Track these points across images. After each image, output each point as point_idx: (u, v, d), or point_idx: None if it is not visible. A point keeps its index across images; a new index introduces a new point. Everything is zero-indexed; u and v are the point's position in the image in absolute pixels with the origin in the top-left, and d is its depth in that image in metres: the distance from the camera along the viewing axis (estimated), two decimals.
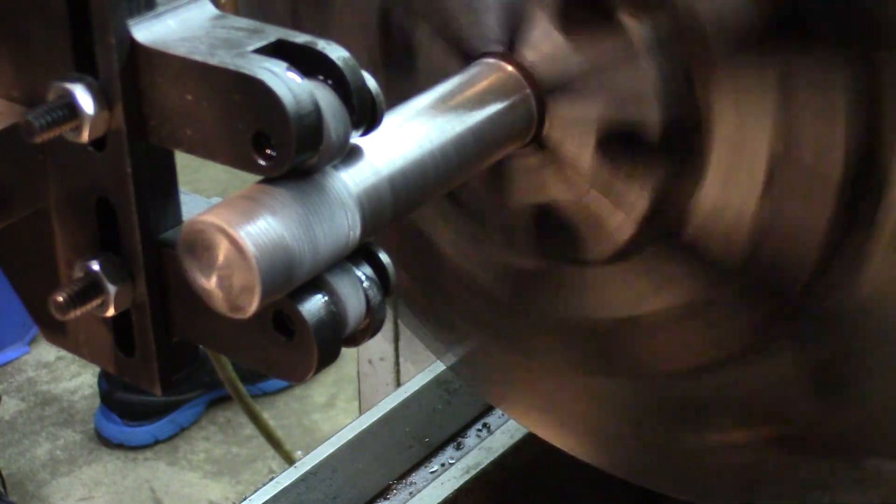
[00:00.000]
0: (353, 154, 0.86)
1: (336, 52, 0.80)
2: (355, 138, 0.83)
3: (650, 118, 0.99)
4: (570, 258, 1.11)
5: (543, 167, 1.07)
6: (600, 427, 1.27)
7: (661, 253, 1.06)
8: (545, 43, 1.02)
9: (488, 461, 1.48)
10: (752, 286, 1.03)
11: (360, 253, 0.85)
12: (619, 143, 1.03)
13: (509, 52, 1.04)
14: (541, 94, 1.03)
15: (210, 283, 0.80)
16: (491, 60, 1.05)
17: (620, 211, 1.04)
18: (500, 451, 1.49)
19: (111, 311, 0.87)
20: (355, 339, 0.86)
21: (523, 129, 1.04)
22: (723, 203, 1.00)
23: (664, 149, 1.01)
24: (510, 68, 1.04)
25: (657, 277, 1.07)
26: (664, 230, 1.04)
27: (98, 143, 0.84)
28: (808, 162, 0.96)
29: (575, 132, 1.04)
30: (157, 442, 3.55)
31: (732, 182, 0.99)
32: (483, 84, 1.03)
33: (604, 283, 1.12)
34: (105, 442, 3.56)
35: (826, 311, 1.01)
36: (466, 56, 1.07)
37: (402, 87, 1.12)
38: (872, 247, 0.96)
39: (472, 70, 1.04)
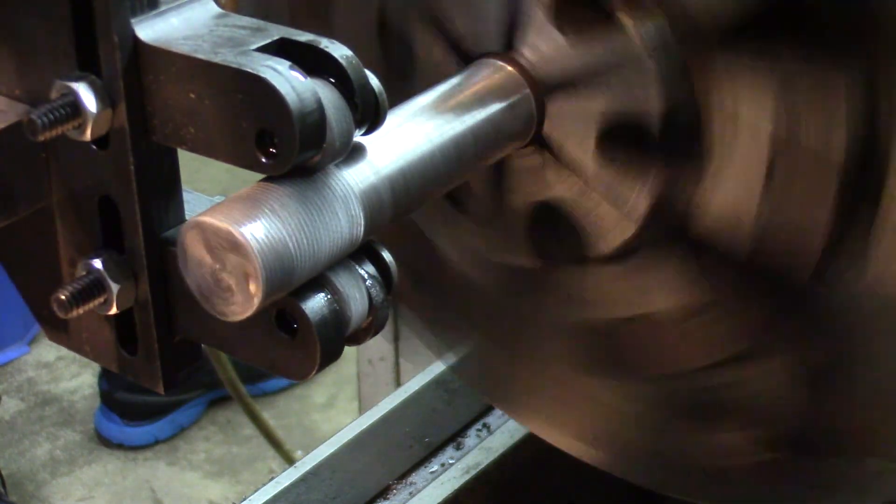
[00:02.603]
0: (355, 153, 0.86)
1: (339, 51, 0.81)
2: (358, 137, 0.84)
3: (650, 115, 1.00)
4: (571, 257, 1.12)
5: (544, 167, 1.07)
6: (603, 429, 1.26)
7: (665, 251, 1.06)
8: (543, 42, 1.02)
9: (488, 461, 1.48)
10: (756, 282, 1.03)
11: (363, 251, 0.86)
12: (618, 141, 1.03)
13: (508, 51, 1.04)
14: (540, 93, 1.04)
15: (210, 283, 0.80)
16: (490, 60, 1.05)
17: (621, 210, 1.04)
18: (500, 451, 1.49)
19: (114, 310, 0.87)
20: (358, 337, 0.86)
21: (523, 128, 1.04)
22: (725, 199, 1.00)
23: (664, 146, 1.01)
24: (509, 68, 1.04)
25: (660, 276, 1.07)
26: (667, 228, 1.04)
27: (101, 141, 0.85)
28: (809, 154, 0.96)
29: (575, 131, 1.04)
30: (157, 442, 3.55)
31: (734, 177, 0.99)
32: (483, 84, 1.03)
33: (605, 282, 1.12)
34: (105, 442, 3.56)
35: (829, 307, 1.01)
36: (465, 56, 1.07)
37: (400, 88, 1.12)
38: (875, 236, 0.96)
39: (472, 70, 1.05)
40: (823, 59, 0.94)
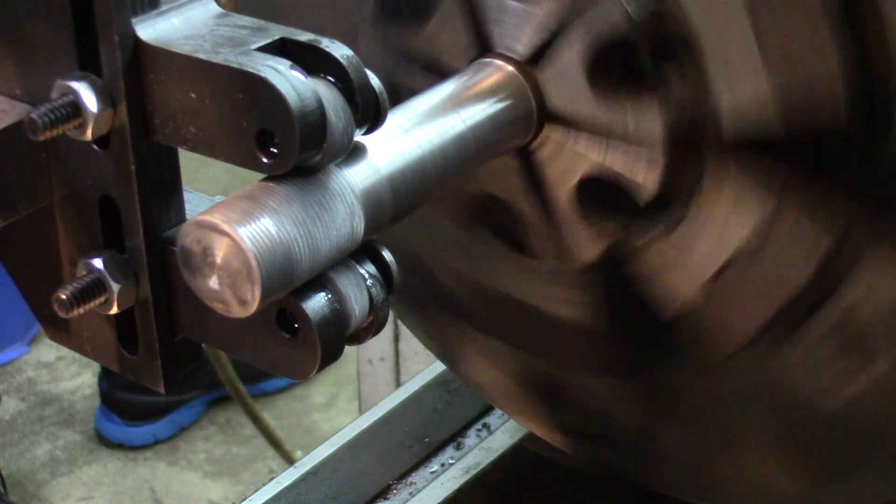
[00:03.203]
0: (356, 153, 0.86)
1: (340, 51, 0.81)
2: (358, 137, 0.84)
3: (646, 183, 1.02)
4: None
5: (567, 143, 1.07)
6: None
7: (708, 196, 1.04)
8: (567, 73, 1.03)
9: (488, 461, 1.48)
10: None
11: (364, 251, 0.86)
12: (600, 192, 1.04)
13: (527, 65, 1.04)
14: (544, 110, 1.04)
15: (210, 283, 0.80)
16: (495, 61, 1.05)
17: (645, 144, 1.03)
18: (500, 451, 1.49)
19: (114, 309, 0.87)
20: (359, 336, 0.86)
21: (523, 129, 1.05)
22: (739, 88, 0.99)
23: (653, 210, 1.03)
24: (511, 69, 1.04)
25: (721, 208, 1.04)
26: (696, 150, 1.02)
27: (102, 141, 0.85)
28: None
29: (564, 162, 1.05)
30: (157, 442, 3.55)
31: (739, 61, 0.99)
32: (483, 84, 1.03)
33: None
34: (105, 442, 3.56)
35: None
36: (480, 46, 1.07)
37: (400, 36, 1.13)
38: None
39: (474, 69, 1.05)
40: (819, 197, 0.97)
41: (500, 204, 1.12)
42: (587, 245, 1.08)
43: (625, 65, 1.01)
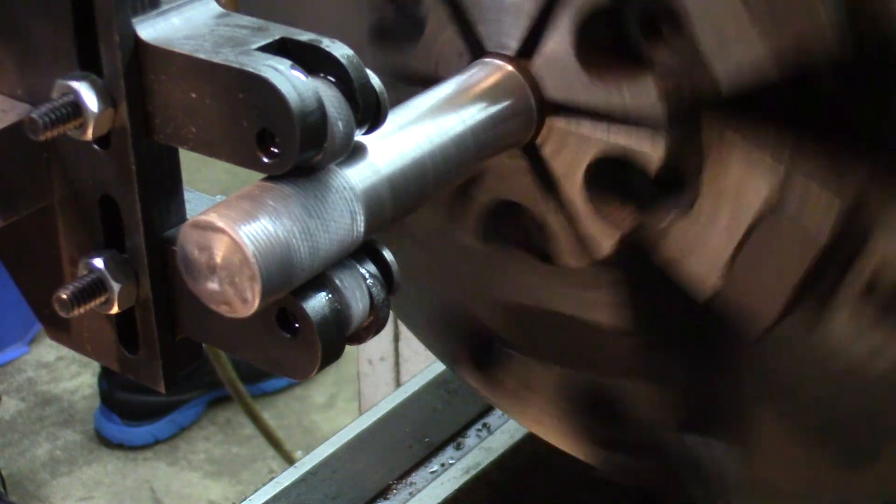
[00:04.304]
0: (356, 152, 0.86)
1: (340, 50, 0.81)
2: (359, 136, 0.84)
3: (647, 160, 1.02)
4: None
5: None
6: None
7: (718, 169, 1.05)
8: (559, 65, 1.03)
9: (488, 461, 1.48)
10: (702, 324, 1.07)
11: (364, 250, 0.86)
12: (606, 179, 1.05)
13: (521, 58, 1.05)
14: (543, 103, 1.05)
15: (210, 283, 0.80)
16: (494, 60, 1.05)
17: (586, 244, 1.07)
18: (500, 451, 1.49)
19: (115, 309, 0.87)
20: (359, 336, 0.86)
21: (524, 124, 1.05)
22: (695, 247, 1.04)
23: (651, 192, 1.03)
24: (512, 69, 1.04)
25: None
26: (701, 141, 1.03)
27: (102, 140, 0.85)
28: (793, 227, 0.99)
29: (570, 151, 1.05)
30: (157, 442, 3.55)
31: (711, 231, 1.02)
32: (484, 84, 1.03)
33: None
34: (105, 442, 3.56)
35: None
36: (474, 49, 1.07)
37: (395, 57, 1.13)
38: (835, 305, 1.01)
39: (474, 70, 1.05)
40: (830, 157, 0.97)
41: (516, 210, 1.12)
42: (604, 236, 1.08)
43: (615, 44, 1.01)
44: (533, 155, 1.07)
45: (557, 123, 1.05)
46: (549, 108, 1.04)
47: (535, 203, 1.10)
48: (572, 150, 1.05)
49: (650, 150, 1.02)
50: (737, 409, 1.14)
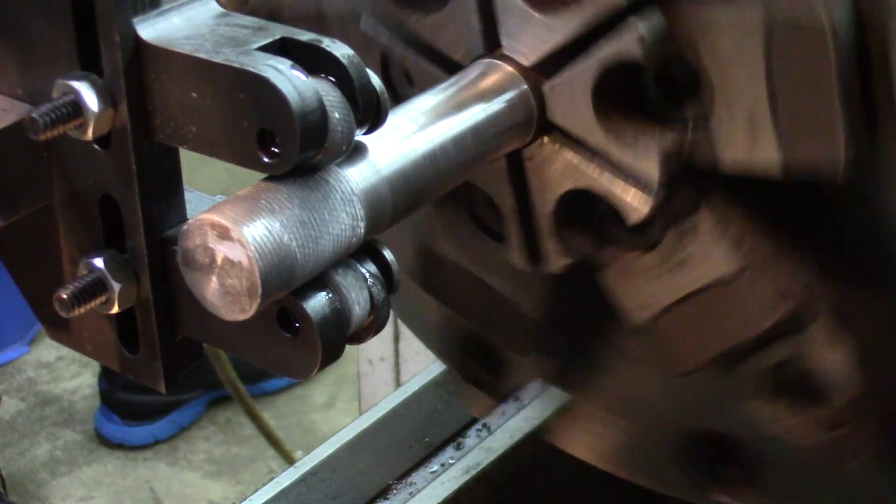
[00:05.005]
0: (356, 152, 0.86)
1: (341, 50, 0.81)
2: (359, 136, 0.84)
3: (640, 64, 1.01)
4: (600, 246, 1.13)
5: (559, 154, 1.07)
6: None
7: (686, 231, 1.07)
8: (522, 27, 1.03)
9: (488, 461, 1.48)
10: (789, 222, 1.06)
11: (365, 250, 0.86)
12: (617, 103, 1.04)
13: (495, 49, 1.05)
14: (536, 81, 1.04)
15: (210, 283, 0.80)
16: (484, 60, 1.05)
17: (638, 181, 1.04)
18: (500, 451, 1.49)
19: (115, 309, 0.87)
20: (359, 336, 0.86)
21: (524, 123, 1.04)
22: (737, 129, 1.01)
23: (661, 99, 1.03)
24: (503, 64, 1.04)
25: (695, 247, 1.08)
26: (687, 190, 1.04)
27: (102, 140, 0.85)
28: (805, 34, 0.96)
29: (573, 103, 1.05)
30: (157, 442, 3.55)
31: (739, 104, 1.00)
32: (481, 83, 1.03)
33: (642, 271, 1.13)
34: (105, 442, 3.56)
35: (866, 231, 1.04)
36: (453, 65, 1.08)
37: (409, 17, 1.14)
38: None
39: (470, 70, 1.05)
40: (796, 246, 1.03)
41: (481, 194, 1.13)
42: (558, 257, 1.10)
43: (631, 98, 1.01)
44: (516, 161, 1.07)
45: (550, 143, 1.05)
46: (547, 127, 1.04)
47: (500, 201, 1.10)
48: (557, 172, 1.06)
49: (637, 206, 1.02)
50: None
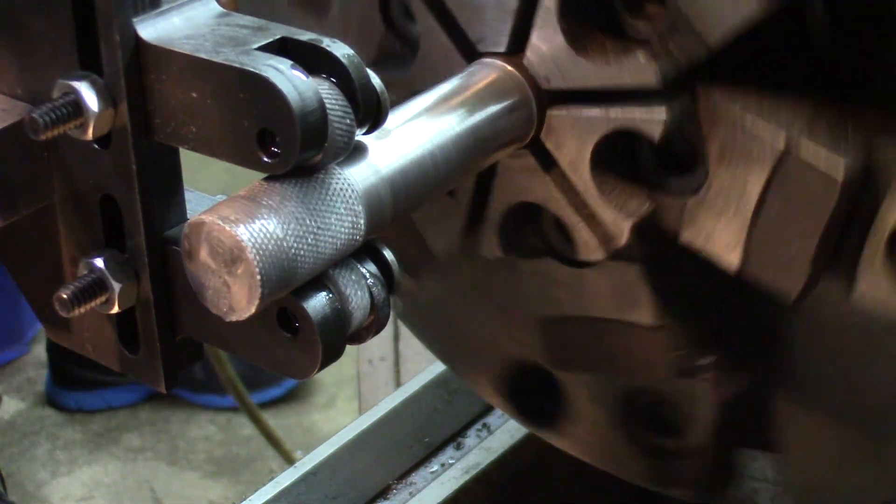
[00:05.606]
0: (356, 152, 0.86)
1: (341, 50, 0.81)
2: (359, 136, 0.84)
3: (651, 133, 1.01)
4: (562, 257, 1.12)
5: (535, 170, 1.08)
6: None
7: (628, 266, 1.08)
8: (551, 50, 1.03)
9: (488, 461, 1.48)
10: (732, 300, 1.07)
11: (365, 250, 0.86)
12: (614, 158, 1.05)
13: (514, 54, 1.05)
14: (541, 96, 1.04)
15: (211, 283, 0.80)
16: (492, 60, 1.05)
17: (605, 228, 1.06)
18: (500, 451, 1.49)
19: (115, 309, 0.87)
20: (360, 335, 0.86)
21: (523, 130, 1.05)
22: (714, 222, 1.03)
23: (659, 169, 1.04)
24: (511, 69, 1.04)
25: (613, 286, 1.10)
26: (645, 245, 1.06)
27: (103, 140, 0.85)
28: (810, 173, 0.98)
29: (573, 139, 1.05)
30: (110, 408, 3.57)
31: (727, 200, 1.01)
32: (484, 84, 1.03)
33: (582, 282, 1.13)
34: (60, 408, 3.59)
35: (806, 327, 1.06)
36: (470, 53, 1.07)
37: (397, 77, 1.13)
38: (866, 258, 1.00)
39: (474, 70, 1.05)
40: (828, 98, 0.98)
41: (534, 212, 1.11)
42: (619, 223, 1.07)
43: (602, 22, 1.02)
44: (539, 150, 1.07)
45: (557, 113, 1.05)
46: (547, 99, 1.04)
47: (548, 199, 1.09)
48: (576, 137, 1.05)
49: (651, 118, 1.01)
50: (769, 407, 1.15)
